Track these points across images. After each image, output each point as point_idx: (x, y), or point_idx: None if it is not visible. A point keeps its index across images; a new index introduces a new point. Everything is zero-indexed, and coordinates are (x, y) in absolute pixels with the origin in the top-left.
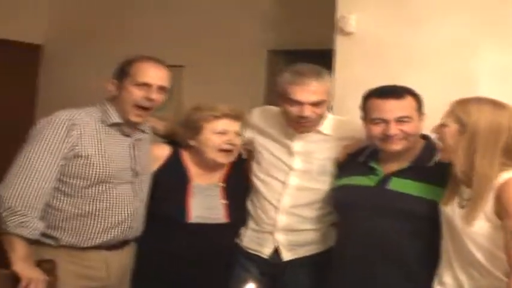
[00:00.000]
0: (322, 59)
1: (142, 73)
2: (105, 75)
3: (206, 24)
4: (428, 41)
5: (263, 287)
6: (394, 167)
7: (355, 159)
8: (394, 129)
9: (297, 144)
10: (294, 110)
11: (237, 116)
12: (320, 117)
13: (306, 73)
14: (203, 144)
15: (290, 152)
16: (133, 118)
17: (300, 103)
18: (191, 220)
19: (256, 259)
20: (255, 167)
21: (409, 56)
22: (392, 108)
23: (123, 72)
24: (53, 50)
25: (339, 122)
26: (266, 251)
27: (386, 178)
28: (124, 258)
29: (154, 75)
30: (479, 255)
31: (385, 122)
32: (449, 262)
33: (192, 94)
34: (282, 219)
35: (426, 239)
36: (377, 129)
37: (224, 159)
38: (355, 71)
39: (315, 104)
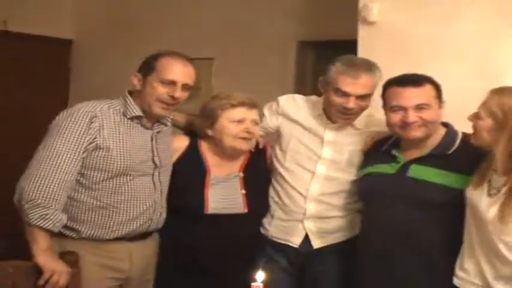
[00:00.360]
0: (349, 49)
1: (168, 70)
2: (135, 69)
3: (236, 17)
4: (451, 30)
5: (291, 277)
6: (415, 154)
7: (380, 148)
8: (412, 116)
9: (329, 134)
10: (339, 100)
11: (253, 105)
12: (362, 110)
13: (359, 65)
14: (220, 133)
15: (321, 141)
16: (158, 111)
17: (347, 94)
18: (209, 211)
19: (284, 249)
20: (279, 154)
21: (431, 45)
22: (411, 95)
23: (148, 67)
24: (84, 44)
25: (370, 116)
26: (296, 240)
27: (406, 165)
28: (147, 250)
29: (179, 72)
30: (501, 246)
31: (404, 109)
32: (472, 249)
33: (222, 86)
34: (311, 207)
35: (446, 227)
36: (396, 117)
37: (243, 145)
38: (377, 60)
39: (361, 97)
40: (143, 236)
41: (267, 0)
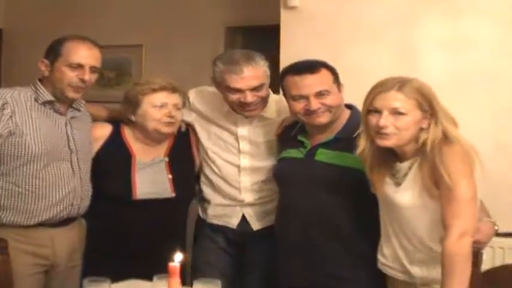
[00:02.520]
0: (273, 34)
1: (74, 54)
2: None
3: (165, 3)
4: (371, 14)
5: (231, 256)
6: (321, 138)
7: (289, 133)
8: (315, 103)
9: (242, 130)
10: (235, 97)
11: (174, 89)
12: (265, 100)
13: (238, 60)
14: (143, 118)
15: (236, 137)
16: (71, 94)
17: (240, 91)
18: (137, 197)
19: (222, 229)
20: (202, 148)
21: (351, 28)
22: (309, 83)
23: (55, 53)
24: (14, 33)
25: (281, 104)
26: (234, 221)
27: (312, 150)
28: (71, 236)
29: (86, 55)
30: (414, 228)
31: (305, 98)
32: (388, 236)
33: (152, 73)
34: (247, 197)
35: (359, 210)
36: (299, 106)
37: (166, 129)
38: (299, 44)
39: (255, 89)
40: (66, 221)
41: None
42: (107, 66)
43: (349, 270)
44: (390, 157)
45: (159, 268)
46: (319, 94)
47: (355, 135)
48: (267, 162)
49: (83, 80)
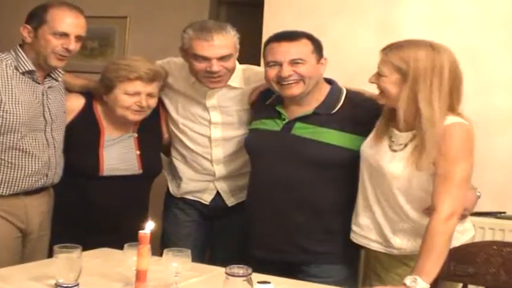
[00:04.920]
0: (257, 9)
1: (60, 22)
2: None
3: None
4: None
5: (202, 228)
6: (299, 111)
7: (265, 100)
8: (287, 70)
9: (210, 101)
10: (201, 66)
11: (151, 79)
12: (230, 72)
13: (210, 28)
14: (114, 102)
15: (205, 108)
16: (54, 62)
17: (207, 59)
18: (104, 173)
19: (195, 204)
20: (173, 120)
21: (336, 4)
22: (285, 50)
23: (39, 19)
24: None
25: (249, 72)
26: (206, 197)
27: (290, 123)
28: (42, 204)
29: (72, 24)
30: (401, 198)
31: (279, 64)
32: (368, 205)
33: (136, 45)
34: (219, 169)
35: (334, 185)
36: (272, 72)
37: (133, 116)
38: (283, 20)
39: (222, 58)
40: (38, 190)
41: None
42: (91, 36)
43: (322, 245)
44: (393, 122)
45: (123, 241)
46: (293, 62)
47: (334, 111)
48: (239, 132)
49: (67, 49)
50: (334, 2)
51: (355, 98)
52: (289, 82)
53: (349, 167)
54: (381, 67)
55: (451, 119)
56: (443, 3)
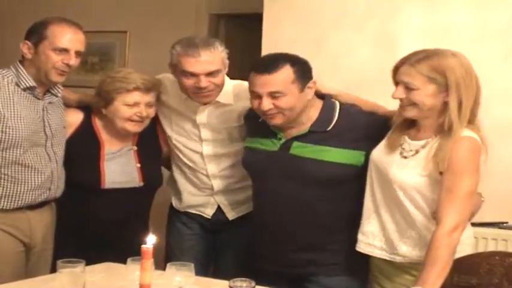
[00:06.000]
0: (256, 22)
1: (60, 38)
2: None
3: None
4: (354, 2)
5: (205, 241)
6: (294, 131)
7: (257, 118)
8: (266, 103)
9: (200, 117)
10: (190, 82)
11: (148, 89)
12: (219, 87)
13: (197, 44)
14: (113, 114)
15: (195, 125)
16: (55, 78)
17: (195, 75)
18: (106, 186)
19: (197, 218)
20: (168, 135)
21: (335, 17)
22: (263, 82)
23: (38, 35)
24: None
25: (239, 88)
26: (208, 212)
27: (287, 143)
28: (45, 218)
29: (72, 39)
30: (409, 204)
31: (259, 96)
32: (377, 210)
33: (136, 59)
34: (216, 183)
35: (336, 200)
36: (255, 102)
37: (133, 128)
38: (282, 32)
39: (210, 74)
40: (41, 204)
41: None
42: (91, 51)
43: (332, 257)
44: (406, 129)
45: (125, 254)
46: (272, 94)
47: (329, 127)
48: (231, 148)
49: (67, 65)
50: (333, 14)
51: (349, 111)
52: (270, 113)
53: (352, 182)
54: (411, 80)
55: (465, 132)
56: (441, 15)
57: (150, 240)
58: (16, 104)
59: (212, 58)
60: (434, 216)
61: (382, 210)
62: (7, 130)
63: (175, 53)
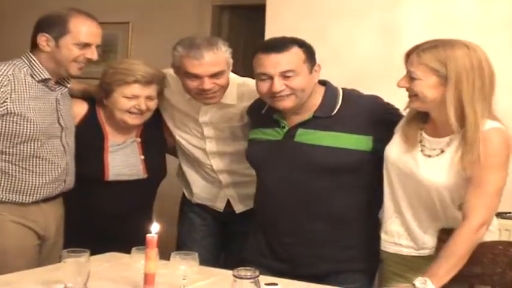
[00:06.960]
0: (259, 13)
1: (84, 33)
2: None
3: None
4: None
5: (217, 232)
6: (298, 118)
7: (260, 108)
8: (278, 84)
9: (203, 117)
10: (194, 83)
11: (149, 82)
12: (224, 88)
13: (200, 45)
14: (113, 106)
15: (198, 123)
16: (75, 71)
17: (198, 77)
18: (110, 178)
19: (209, 210)
20: (173, 130)
21: (337, 7)
22: (274, 62)
23: (60, 28)
24: None
25: (244, 88)
26: (219, 205)
27: (291, 130)
28: (57, 210)
29: (94, 33)
30: (439, 204)
31: (270, 77)
32: (399, 210)
33: (139, 50)
34: (224, 177)
35: (351, 191)
36: (264, 86)
37: (133, 120)
38: (284, 23)
39: (214, 76)
40: (54, 196)
41: None
42: None
43: (345, 253)
44: (421, 123)
45: (129, 245)
46: (284, 74)
47: (334, 112)
48: (235, 146)
49: (89, 59)
50: (335, 5)
51: (352, 95)
52: (281, 95)
53: (361, 170)
54: (414, 70)
55: (489, 124)
56: (444, 6)
57: (154, 229)
58: (33, 96)
59: (215, 59)
60: (461, 207)
61: (405, 209)
62: (25, 123)
63: (177, 54)
